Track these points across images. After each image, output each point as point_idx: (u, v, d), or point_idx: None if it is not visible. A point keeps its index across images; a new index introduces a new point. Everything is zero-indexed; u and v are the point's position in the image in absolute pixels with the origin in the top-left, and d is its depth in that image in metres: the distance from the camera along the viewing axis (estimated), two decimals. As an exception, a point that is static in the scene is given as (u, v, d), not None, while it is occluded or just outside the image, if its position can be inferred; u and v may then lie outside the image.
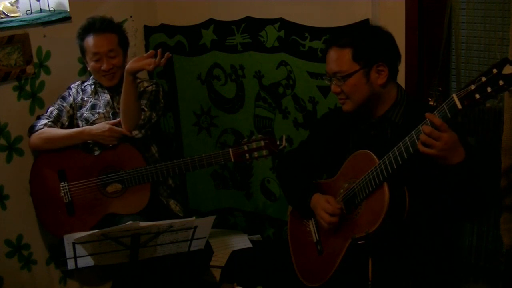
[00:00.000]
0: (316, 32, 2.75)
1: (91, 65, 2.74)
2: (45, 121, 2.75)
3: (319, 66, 2.77)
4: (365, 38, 2.09)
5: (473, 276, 2.69)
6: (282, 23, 2.86)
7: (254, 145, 2.61)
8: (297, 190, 2.35)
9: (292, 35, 2.83)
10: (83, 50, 2.77)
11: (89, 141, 2.75)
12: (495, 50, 2.41)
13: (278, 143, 2.63)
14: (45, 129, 2.73)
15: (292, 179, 2.40)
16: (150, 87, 2.80)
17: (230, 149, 2.61)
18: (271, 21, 2.89)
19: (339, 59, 2.09)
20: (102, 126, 2.68)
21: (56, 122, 2.77)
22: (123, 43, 2.79)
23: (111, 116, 2.77)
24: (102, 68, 2.71)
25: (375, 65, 2.07)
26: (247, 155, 2.62)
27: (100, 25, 2.72)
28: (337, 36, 2.16)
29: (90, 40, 2.71)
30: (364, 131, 2.18)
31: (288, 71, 2.91)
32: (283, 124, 2.99)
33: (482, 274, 2.67)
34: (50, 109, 2.80)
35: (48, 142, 2.71)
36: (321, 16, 2.73)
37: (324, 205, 2.17)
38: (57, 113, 2.78)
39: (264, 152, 2.62)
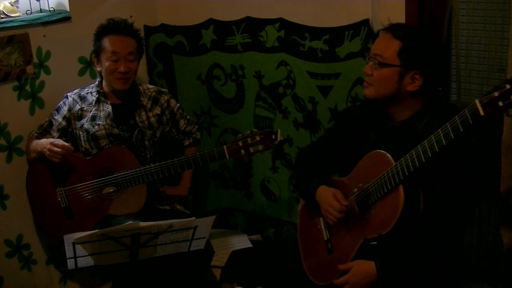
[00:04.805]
0: (316, 32, 2.75)
1: (106, 65, 2.66)
2: (34, 132, 2.78)
3: (319, 66, 2.77)
4: (419, 43, 2.06)
5: (473, 276, 2.69)
6: (282, 23, 2.86)
7: (249, 140, 2.58)
8: (305, 180, 2.33)
9: (292, 35, 2.83)
10: (99, 49, 2.69)
11: (83, 145, 2.75)
12: (495, 50, 2.41)
13: (273, 137, 2.59)
14: (29, 141, 2.78)
15: (305, 171, 2.37)
16: (172, 102, 2.88)
17: (224, 146, 2.59)
18: (271, 21, 2.89)
19: (387, 45, 2.08)
20: (46, 141, 2.64)
21: (45, 134, 2.78)
22: (140, 50, 2.77)
23: (111, 128, 2.72)
24: (118, 70, 2.65)
25: (413, 71, 2.04)
26: (242, 151, 2.59)
27: (124, 28, 2.69)
28: (397, 25, 2.13)
29: (111, 39, 2.65)
30: (384, 132, 2.15)
31: (288, 71, 2.91)
32: (283, 124, 2.99)
33: (482, 274, 2.67)
34: (45, 120, 2.81)
35: (28, 154, 2.79)
36: (321, 16, 2.73)
37: (331, 201, 2.16)
38: (47, 125, 2.79)
39: (260, 147, 2.59)
